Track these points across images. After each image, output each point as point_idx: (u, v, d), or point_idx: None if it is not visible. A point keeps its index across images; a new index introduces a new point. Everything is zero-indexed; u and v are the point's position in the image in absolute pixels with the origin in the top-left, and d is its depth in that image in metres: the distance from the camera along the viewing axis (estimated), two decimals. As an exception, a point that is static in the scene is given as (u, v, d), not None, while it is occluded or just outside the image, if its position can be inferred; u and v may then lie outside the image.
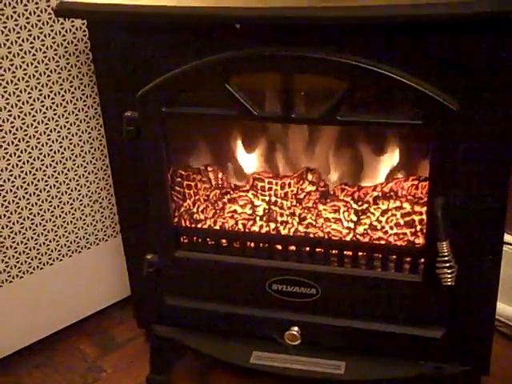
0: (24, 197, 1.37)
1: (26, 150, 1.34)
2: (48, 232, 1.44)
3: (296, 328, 1.23)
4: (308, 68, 1.03)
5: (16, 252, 1.41)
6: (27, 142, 1.34)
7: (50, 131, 1.37)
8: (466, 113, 0.98)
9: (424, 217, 1.15)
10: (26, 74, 1.29)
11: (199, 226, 1.29)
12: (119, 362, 1.50)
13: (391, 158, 1.23)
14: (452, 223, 1.05)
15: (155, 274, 1.26)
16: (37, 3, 1.25)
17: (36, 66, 1.30)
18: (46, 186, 1.40)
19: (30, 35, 1.27)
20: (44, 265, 1.46)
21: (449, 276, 1.06)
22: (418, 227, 1.18)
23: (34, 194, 1.39)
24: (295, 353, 1.25)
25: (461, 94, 0.97)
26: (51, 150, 1.38)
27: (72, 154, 1.42)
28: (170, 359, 1.44)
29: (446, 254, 1.05)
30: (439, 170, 1.04)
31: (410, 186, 1.20)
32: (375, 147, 1.23)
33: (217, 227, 1.29)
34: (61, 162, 1.40)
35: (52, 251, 1.47)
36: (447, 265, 1.05)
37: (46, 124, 1.36)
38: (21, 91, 1.30)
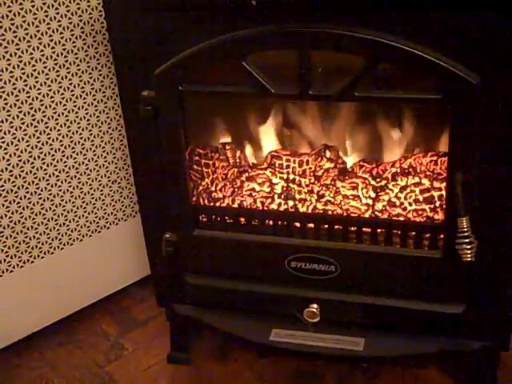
0: (43, 177, 1.39)
1: (44, 132, 1.35)
2: (67, 213, 1.46)
3: (315, 305, 1.23)
4: (325, 44, 1.02)
5: (37, 233, 1.42)
6: (46, 123, 1.35)
7: (68, 112, 1.37)
8: (486, 86, 0.97)
9: (443, 193, 1.14)
10: (43, 55, 1.29)
11: (217, 204, 1.30)
12: (140, 340, 1.52)
13: (410, 134, 1.22)
14: (472, 199, 1.04)
15: (174, 252, 1.27)
16: (52, -16, 1.26)
17: (53, 47, 1.30)
18: (65, 167, 1.41)
19: (47, 16, 1.27)
20: (64, 245, 1.48)
21: (468, 252, 1.05)
22: (438, 203, 1.18)
23: (54, 174, 1.40)
24: (314, 330, 1.26)
25: (480, 67, 0.96)
26: (69, 131, 1.39)
27: (90, 135, 1.42)
28: (190, 337, 1.45)
29: (466, 229, 1.04)
30: (459, 145, 1.03)
31: (428, 162, 1.19)
32: (393, 123, 1.22)
33: (235, 205, 1.29)
34: (79, 142, 1.41)
35: (72, 232, 1.48)
36: (467, 240, 1.05)
37: (64, 105, 1.36)
38: (38, 72, 1.30)
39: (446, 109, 1.02)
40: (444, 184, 1.13)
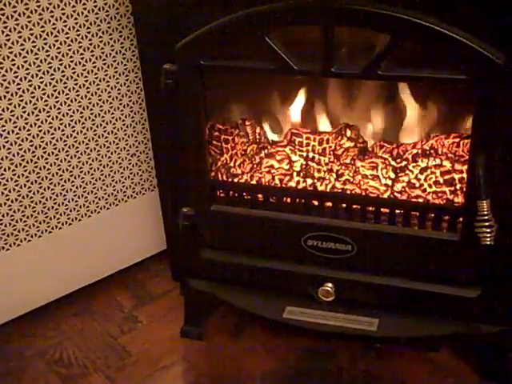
0: (63, 149, 1.39)
1: (65, 103, 1.35)
2: (86, 184, 1.46)
3: (330, 284, 1.23)
4: (349, 20, 1.01)
5: (55, 203, 1.43)
6: (66, 94, 1.35)
7: (90, 84, 1.37)
8: (513, 68, 0.95)
9: (464, 175, 1.13)
10: (65, 26, 1.29)
11: (236, 180, 1.29)
12: (154, 313, 1.52)
13: (432, 115, 1.21)
14: (493, 182, 1.03)
15: (191, 227, 1.27)
16: (77, -47, 1.25)
17: (76, 18, 1.30)
18: (85, 138, 1.41)
19: (71, -9, 1.27)
20: (82, 216, 1.49)
21: (488, 235, 1.04)
22: (458, 186, 1.17)
23: (73, 146, 1.40)
24: (328, 309, 1.26)
25: (507, 48, 0.94)
26: (90, 103, 1.39)
27: (110, 107, 1.42)
28: (204, 312, 1.46)
29: (486, 212, 1.03)
30: (482, 126, 1.01)
31: (450, 144, 1.18)
32: (416, 103, 1.21)
33: (253, 182, 1.29)
34: (99, 114, 1.41)
35: (90, 203, 1.49)
36: (487, 224, 1.04)
37: (86, 77, 1.36)
38: (60, 43, 1.30)
39: (471, 89, 1.00)
40: (465, 166, 1.11)
